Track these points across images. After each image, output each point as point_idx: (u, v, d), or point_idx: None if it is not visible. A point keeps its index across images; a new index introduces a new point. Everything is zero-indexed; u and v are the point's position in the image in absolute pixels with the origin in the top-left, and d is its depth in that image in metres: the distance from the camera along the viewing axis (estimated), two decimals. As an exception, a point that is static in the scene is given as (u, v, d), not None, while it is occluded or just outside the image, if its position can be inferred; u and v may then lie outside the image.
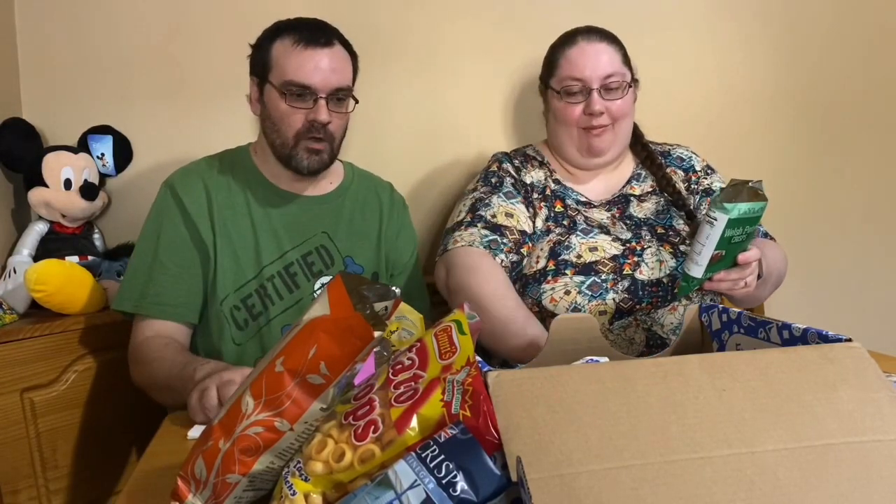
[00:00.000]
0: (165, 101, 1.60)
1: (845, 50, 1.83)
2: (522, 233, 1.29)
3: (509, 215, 1.29)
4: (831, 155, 1.86)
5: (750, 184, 0.97)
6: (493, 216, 1.29)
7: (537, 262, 1.26)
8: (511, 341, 1.11)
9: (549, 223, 1.31)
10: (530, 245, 1.29)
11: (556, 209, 1.33)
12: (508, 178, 1.35)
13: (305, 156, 1.23)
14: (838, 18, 1.83)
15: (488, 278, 1.20)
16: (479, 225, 1.28)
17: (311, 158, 1.23)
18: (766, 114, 1.83)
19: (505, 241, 1.26)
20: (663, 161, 1.41)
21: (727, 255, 1.02)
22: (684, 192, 1.38)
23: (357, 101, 1.28)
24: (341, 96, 1.24)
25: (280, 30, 1.23)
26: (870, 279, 1.88)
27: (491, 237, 1.26)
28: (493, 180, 1.35)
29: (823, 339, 0.69)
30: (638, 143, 1.44)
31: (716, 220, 0.96)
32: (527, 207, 1.32)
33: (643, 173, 1.40)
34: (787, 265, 1.33)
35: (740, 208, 0.95)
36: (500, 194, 1.32)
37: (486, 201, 1.31)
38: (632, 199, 1.36)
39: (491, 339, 1.14)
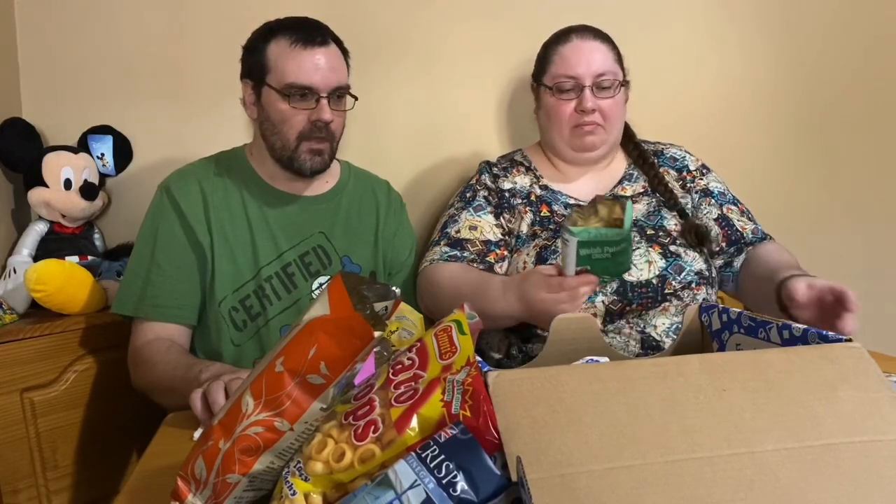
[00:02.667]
0: (165, 102, 1.60)
1: (844, 49, 1.83)
2: (486, 242, 1.31)
3: (473, 228, 1.33)
4: (830, 153, 1.86)
5: (619, 201, 0.95)
6: (458, 231, 1.33)
7: (524, 267, 1.27)
8: (496, 305, 1.12)
9: (535, 227, 1.32)
10: (497, 252, 1.32)
11: (542, 213, 1.34)
12: (482, 191, 1.38)
13: (308, 157, 1.23)
14: (837, 17, 1.83)
15: (452, 282, 1.24)
16: (441, 243, 1.33)
17: (313, 160, 1.24)
18: (764, 113, 1.83)
19: (465, 254, 1.30)
20: (656, 160, 1.41)
21: (594, 269, 0.97)
22: (678, 192, 1.37)
23: (356, 99, 1.28)
24: (340, 94, 1.24)
25: (273, 30, 1.23)
26: (869, 278, 1.88)
27: (451, 252, 1.30)
28: (468, 195, 1.39)
29: (823, 339, 0.69)
30: (630, 142, 1.44)
31: (568, 240, 0.94)
32: (497, 216, 1.35)
33: (635, 173, 1.40)
34: (790, 253, 1.33)
35: (589, 233, 0.93)
36: (470, 209, 1.36)
37: (455, 218, 1.36)
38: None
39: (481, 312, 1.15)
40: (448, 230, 1.34)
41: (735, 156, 1.77)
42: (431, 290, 1.28)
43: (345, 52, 1.28)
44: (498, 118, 1.74)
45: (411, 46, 1.68)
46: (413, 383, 0.59)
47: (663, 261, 1.25)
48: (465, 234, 1.32)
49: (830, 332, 0.70)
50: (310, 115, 1.21)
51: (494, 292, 1.14)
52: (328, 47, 1.22)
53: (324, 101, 1.20)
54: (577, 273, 0.97)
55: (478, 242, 1.31)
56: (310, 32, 1.21)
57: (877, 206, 1.88)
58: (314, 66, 1.19)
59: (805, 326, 0.72)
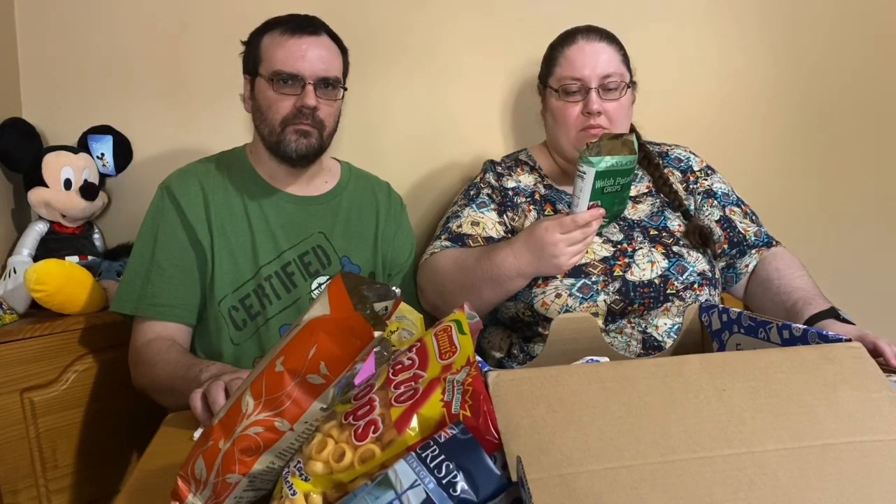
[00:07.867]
0: (166, 102, 1.59)
1: (845, 50, 1.83)
2: (488, 238, 1.31)
3: (475, 224, 1.33)
4: (830, 155, 1.86)
5: (622, 138, 1.04)
6: (459, 226, 1.33)
7: None
8: (504, 262, 1.14)
9: None
10: None
11: (547, 212, 1.33)
12: (486, 189, 1.38)
13: (294, 138, 1.22)
14: (838, 19, 1.83)
15: (455, 261, 1.24)
16: (443, 237, 1.32)
17: (298, 141, 1.22)
18: (765, 114, 1.83)
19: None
20: (661, 161, 1.41)
21: (603, 205, 1.07)
22: (682, 193, 1.37)
23: (346, 89, 1.28)
24: (329, 84, 1.24)
25: (270, 25, 1.24)
26: (870, 279, 1.88)
27: (451, 246, 1.30)
28: (472, 192, 1.39)
29: (823, 339, 0.69)
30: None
31: (585, 173, 1.03)
32: (500, 214, 1.34)
33: (640, 174, 1.40)
34: (802, 267, 1.33)
35: (607, 161, 1.02)
36: (473, 205, 1.36)
37: (458, 214, 1.36)
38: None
39: (480, 289, 1.18)
40: (450, 225, 1.34)
41: (735, 155, 1.77)
42: (434, 278, 1.27)
43: (343, 50, 1.28)
44: (498, 118, 1.73)
45: (410, 46, 1.68)
46: (413, 383, 0.59)
47: (666, 261, 1.25)
48: (466, 229, 1.32)
49: (830, 332, 0.70)
50: (295, 102, 1.21)
51: (501, 251, 1.15)
52: (318, 37, 1.22)
53: (309, 88, 1.20)
54: (590, 208, 1.05)
55: (479, 238, 1.30)
56: (300, 23, 1.22)
57: (876, 206, 1.88)
58: (301, 53, 1.20)
59: (805, 326, 0.72)
